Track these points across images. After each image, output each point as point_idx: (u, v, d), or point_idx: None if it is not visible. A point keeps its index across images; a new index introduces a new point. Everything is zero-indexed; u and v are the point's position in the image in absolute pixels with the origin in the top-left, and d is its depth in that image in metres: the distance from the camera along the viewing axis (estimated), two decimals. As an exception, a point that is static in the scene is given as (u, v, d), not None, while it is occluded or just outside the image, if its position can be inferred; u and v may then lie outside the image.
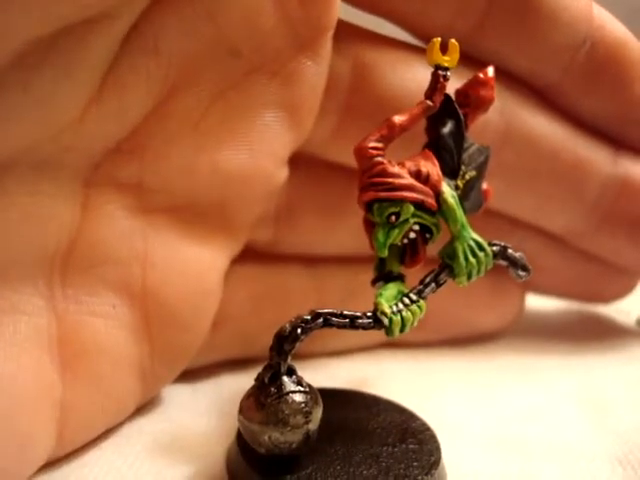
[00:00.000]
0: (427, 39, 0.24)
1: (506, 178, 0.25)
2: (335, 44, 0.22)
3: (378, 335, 0.27)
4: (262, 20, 0.19)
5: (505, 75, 0.24)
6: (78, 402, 0.19)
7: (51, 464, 0.19)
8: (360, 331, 0.19)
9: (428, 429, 0.20)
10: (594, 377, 0.26)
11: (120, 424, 0.21)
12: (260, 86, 0.21)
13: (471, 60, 0.23)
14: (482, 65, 0.21)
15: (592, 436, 0.22)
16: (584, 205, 0.26)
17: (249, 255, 0.25)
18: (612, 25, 0.24)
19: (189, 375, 0.24)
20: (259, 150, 0.21)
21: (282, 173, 0.22)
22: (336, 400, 0.21)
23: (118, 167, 0.20)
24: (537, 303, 0.32)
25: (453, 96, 0.20)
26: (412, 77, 0.23)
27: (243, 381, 0.25)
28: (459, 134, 0.20)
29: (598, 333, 0.31)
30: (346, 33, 0.23)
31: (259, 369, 0.25)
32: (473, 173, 0.21)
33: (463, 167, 0.20)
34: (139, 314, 0.21)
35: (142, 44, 0.18)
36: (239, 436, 0.19)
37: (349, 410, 0.21)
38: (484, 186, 0.22)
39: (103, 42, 0.17)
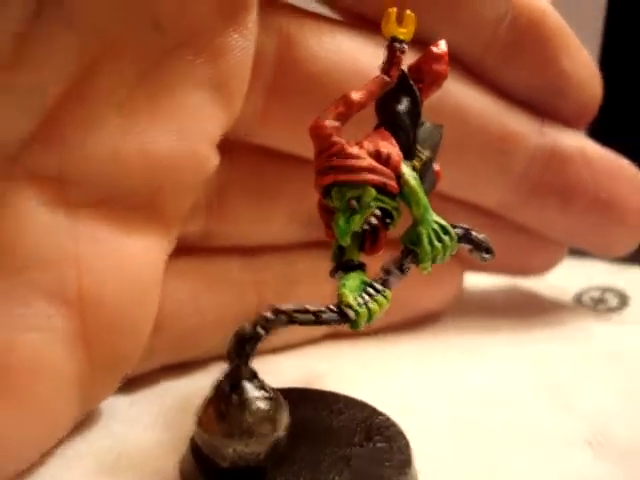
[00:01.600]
0: (347, 15, 0.24)
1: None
2: (259, 20, 0.20)
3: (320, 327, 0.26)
4: None
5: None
6: (7, 430, 0.17)
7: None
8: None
9: (393, 424, 0.19)
10: (544, 355, 0.26)
11: (55, 446, 0.19)
12: (187, 63, 0.19)
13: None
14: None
15: (556, 418, 0.22)
16: (513, 177, 0.26)
17: (183, 251, 0.23)
18: None
19: (126, 385, 0.22)
20: (189, 132, 0.19)
21: (214, 157, 0.21)
22: (293, 400, 0.19)
23: (35, 159, 0.17)
24: (473, 281, 0.32)
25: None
26: (337, 50, 0.22)
27: (185, 386, 0.23)
28: (415, 112, 0.19)
29: (538, 310, 0.31)
30: (270, 8, 0.21)
31: (200, 372, 0.24)
32: (428, 153, 0.20)
33: (418, 147, 0.19)
34: (76, 322, 0.18)
35: (57, 14, 0.16)
36: (194, 449, 0.17)
37: (308, 410, 0.20)
38: (436, 167, 0.21)
39: (16, 8, 0.15)
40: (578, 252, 0.31)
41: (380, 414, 0.20)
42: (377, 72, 0.22)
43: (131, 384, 0.22)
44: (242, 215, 0.24)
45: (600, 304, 0.32)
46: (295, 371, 0.24)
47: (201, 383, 0.23)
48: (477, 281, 0.32)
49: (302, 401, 0.20)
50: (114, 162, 0.18)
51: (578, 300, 0.32)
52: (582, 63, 0.26)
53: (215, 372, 0.24)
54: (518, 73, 0.25)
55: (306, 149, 0.23)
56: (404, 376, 0.24)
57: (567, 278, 0.32)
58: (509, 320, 0.30)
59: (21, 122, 0.17)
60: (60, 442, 0.19)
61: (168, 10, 0.18)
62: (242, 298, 0.24)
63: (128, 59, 0.18)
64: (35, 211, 0.18)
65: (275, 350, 0.25)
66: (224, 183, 0.23)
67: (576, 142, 0.27)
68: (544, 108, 0.26)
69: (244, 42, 0.20)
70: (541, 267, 0.30)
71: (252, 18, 0.20)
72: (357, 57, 0.23)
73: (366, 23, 0.23)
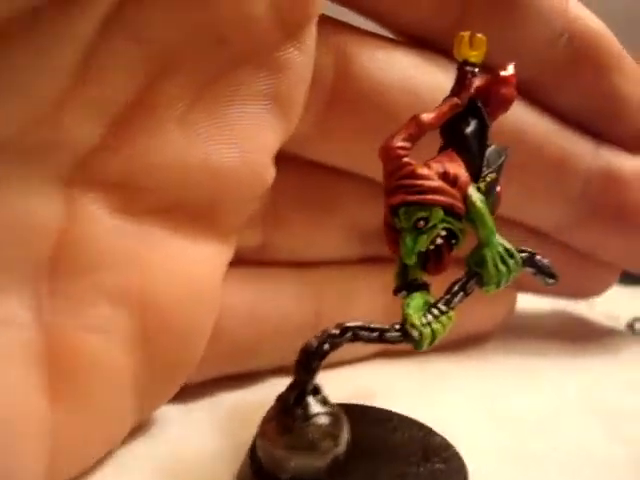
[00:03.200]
0: (405, 36, 0.24)
1: None
2: (318, 36, 0.21)
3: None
4: (250, 6, 0.18)
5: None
6: (69, 429, 0.17)
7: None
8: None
9: (450, 446, 0.19)
10: (596, 382, 0.26)
11: (112, 450, 0.19)
12: (247, 76, 0.19)
13: (449, 56, 0.23)
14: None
15: (608, 446, 0.21)
16: (568, 199, 0.26)
17: (241, 262, 0.23)
18: (588, 17, 0.24)
19: (182, 393, 0.22)
20: (250, 144, 0.20)
21: (271, 169, 0.21)
22: (350, 416, 0.19)
23: (103, 164, 0.18)
24: (524, 304, 0.32)
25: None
26: (392, 68, 0.23)
27: (240, 397, 0.23)
28: (482, 135, 0.19)
29: (589, 337, 0.31)
30: (328, 26, 0.22)
31: (255, 384, 0.24)
32: (493, 175, 0.19)
33: (484, 169, 0.19)
34: (136, 325, 0.19)
35: (124, 28, 0.17)
36: (253, 460, 0.17)
37: (364, 426, 0.20)
38: (497, 188, 0.21)
39: (86, 18, 0.16)
40: (631, 279, 0.31)
41: (436, 434, 0.20)
42: (431, 92, 0.22)
43: (187, 393, 0.22)
44: (297, 228, 0.24)
45: (654, 333, 0.31)
46: (350, 387, 0.24)
47: (256, 395, 0.23)
48: (529, 304, 0.32)
49: (357, 416, 0.20)
50: (178, 171, 0.19)
51: (631, 328, 0.32)
52: (638, 86, 0.26)
53: (270, 384, 0.24)
54: (572, 94, 0.25)
55: (360, 166, 0.24)
56: (455, 397, 0.24)
57: (620, 305, 0.32)
58: (560, 345, 0.29)
59: (89, 131, 0.17)
60: (118, 446, 0.20)
61: (232, 24, 0.18)
62: (300, 310, 0.24)
63: (190, 71, 0.18)
64: (103, 216, 0.18)
65: (330, 365, 0.26)
66: (280, 196, 0.24)
67: (633, 165, 0.26)
68: (600, 131, 0.26)
69: (303, 57, 0.20)
70: (594, 289, 0.30)
71: (311, 35, 0.20)
72: (412, 75, 0.23)
73: (421, 43, 0.23)
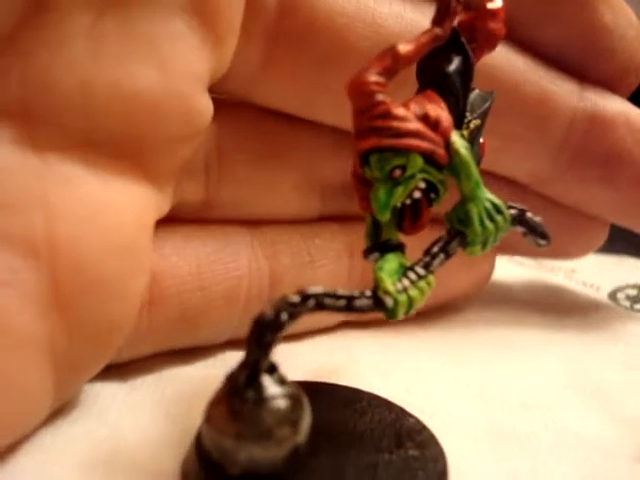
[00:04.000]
0: None
1: None
2: None
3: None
4: None
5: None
6: None
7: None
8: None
9: (424, 428, 0.17)
10: (578, 356, 0.24)
11: (42, 433, 0.17)
12: None
13: None
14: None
15: (599, 426, 0.20)
16: (550, 145, 0.24)
17: (183, 220, 0.21)
18: None
19: (123, 370, 0.20)
20: (170, 65, 0.17)
21: (204, 102, 0.18)
22: (312, 397, 0.17)
23: None
24: (503, 274, 0.30)
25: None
26: None
27: (189, 375, 0.21)
28: (467, 74, 0.17)
29: (571, 308, 0.29)
30: None
31: (206, 359, 0.22)
32: (477, 122, 0.17)
33: (467, 114, 0.17)
34: (46, 279, 0.16)
35: None
36: (200, 450, 0.15)
37: (329, 409, 0.17)
38: (481, 139, 0.18)
39: None
40: (614, 249, 0.29)
41: (410, 416, 0.18)
42: (389, 20, 0.20)
43: (130, 369, 0.20)
44: (245, 182, 0.22)
45: (636, 303, 0.29)
46: (309, 362, 0.22)
47: (210, 371, 0.21)
48: (508, 274, 0.30)
49: (321, 397, 0.18)
50: (84, 95, 0.16)
51: (613, 298, 0.30)
52: (625, 20, 0.24)
53: (223, 360, 0.22)
54: (555, 28, 0.23)
55: (315, 111, 0.21)
56: (430, 372, 0.22)
57: (600, 275, 0.30)
58: (540, 317, 0.27)
59: None
60: (49, 430, 0.17)
61: None
62: (253, 274, 0.22)
63: None
64: (1, 150, 0.16)
65: (286, 338, 0.23)
66: (223, 145, 0.21)
67: (619, 107, 0.24)
68: (584, 70, 0.24)
69: None
70: (582, 248, 0.28)
71: None
72: (367, 3, 0.20)
73: None
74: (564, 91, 0.24)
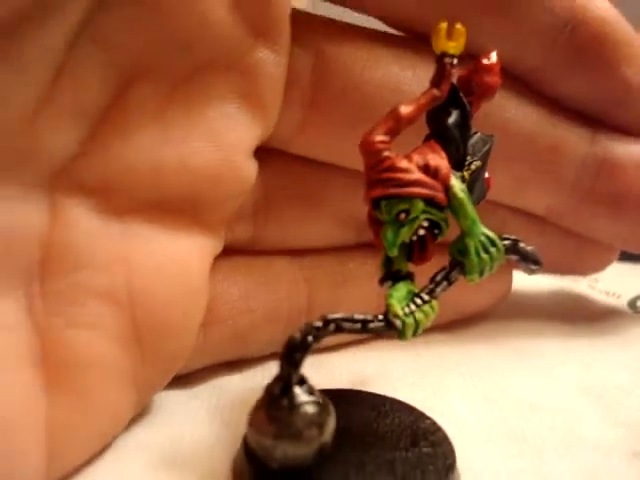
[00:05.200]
0: (397, 27, 0.24)
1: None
2: (294, 35, 0.21)
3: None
4: (210, 12, 0.19)
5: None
6: (67, 422, 0.18)
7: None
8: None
9: (439, 429, 0.20)
10: (594, 363, 0.26)
11: (114, 437, 0.20)
12: (218, 77, 0.20)
13: None
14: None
15: (604, 428, 0.21)
16: (563, 186, 0.26)
17: (233, 252, 0.24)
18: (595, 4, 0.24)
19: (183, 380, 0.23)
20: (225, 141, 0.20)
21: (251, 166, 0.22)
22: (339, 401, 0.20)
23: (82, 169, 0.19)
24: (523, 284, 0.32)
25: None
26: (375, 64, 0.23)
27: (239, 384, 0.24)
28: (465, 125, 0.19)
29: (591, 316, 0.31)
30: (305, 23, 0.22)
31: (255, 369, 0.25)
32: (478, 163, 0.20)
33: (468, 157, 0.20)
34: (127, 321, 0.19)
35: (93, 37, 0.17)
36: (247, 449, 0.18)
37: (355, 412, 0.20)
38: (486, 175, 0.21)
39: (57, 29, 0.16)
40: (633, 257, 0.31)
41: (427, 418, 0.20)
42: (412, 85, 0.23)
43: (188, 380, 0.23)
44: (288, 221, 0.25)
45: (656, 310, 0.31)
46: (342, 372, 0.25)
47: (257, 381, 0.24)
48: (528, 283, 0.32)
49: (349, 402, 0.21)
50: (155, 172, 0.19)
51: (632, 306, 0.32)
52: None
53: (270, 369, 0.25)
54: (577, 83, 0.25)
55: (344, 160, 0.24)
56: (451, 380, 0.24)
57: (621, 283, 0.32)
58: (559, 325, 0.29)
59: (65, 138, 0.18)
60: (121, 434, 0.20)
61: (192, 31, 0.19)
62: (293, 296, 0.25)
63: (160, 75, 0.19)
64: (85, 218, 0.19)
65: (324, 349, 0.26)
66: (269, 192, 0.24)
67: (629, 151, 0.26)
68: (598, 117, 0.26)
69: (276, 57, 0.20)
70: (592, 268, 0.30)
71: (285, 35, 0.20)
72: (395, 73, 0.23)
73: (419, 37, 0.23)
74: (577, 137, 0.25)
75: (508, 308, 0.30)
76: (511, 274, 0.29)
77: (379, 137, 0.17)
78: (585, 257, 0.29)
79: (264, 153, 0.22)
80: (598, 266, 0.30)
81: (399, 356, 0.26)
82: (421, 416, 0.20)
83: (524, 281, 0.30)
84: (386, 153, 0.17)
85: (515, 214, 0.28)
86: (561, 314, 0.31)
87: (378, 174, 0.17)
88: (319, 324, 0.17)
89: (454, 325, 0.28)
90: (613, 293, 0.33)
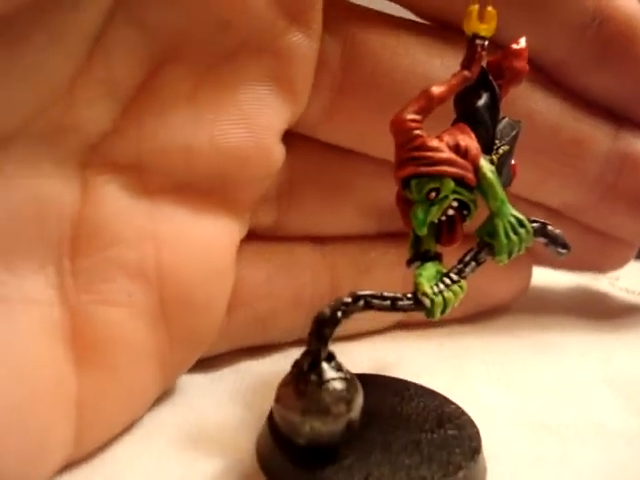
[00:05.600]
0: (426, 17, 0.24)
1: None
2: (325, 20, 0.21)
3: (391, 315, 0.26)
4: None
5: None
6: (96, 398, 0.18)
7: (72, 462, 0.18)
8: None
9: (464, 413, 0.20)
10: (615, 355, 0.26)
11: (142, 416, 0.20)
12: (252, 59, 0.20)
13: None
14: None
15: (625, 417, 0.21)
16: (585, 181, 0.26)
17: (257, 237, 0.24)
18: (623, 2, 0.24)
19: (206, 364, 0.23)
20: (256, 124, 0.20)
21: (279, 149, 0.22)
22: (366, 386, 0.20)
23: (114, 147, 0.19)
24: (545, 280, 0.32)
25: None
26: (404, 52, 0.23)
27: (262, 368, 0.24)
28: (494, 107, 0.19)
29: (611, 312, 0.31)
30: (335, 9, 0.22)
31: (277, 355, 0.25)
32: (506, 147, 0.20)
33: (497, 141, 0.20)
34: (155, 299, 0.20)
35: (128, 15, 0.18)
36: (272, 426, 0.18)
37: (381, 396, 0.20)
38: (512, 161, 0.21)
39: (93, 9, 0.17)
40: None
41: (451, 403, 0.20)
42: (440, 73, 0.23)
43: (211, 363, 0.23)
44: (311, 207, 0.25)
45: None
46: (366, 358, 0.25)
47: (279, 365, 0.24)
48: (550, 279, 0.32)
49: (374, 386, 0.20)
50: (187, 152, 0.20)
51: (653, 303, 0.32)
52: None
53: (292, 355, 0.25)
54: (602, 78, 0.25)
55: (370, 147, 0.24)
56: (473, 368, 0.25)
57: (641, 280, 0.32)
58: (580, 320, 0.29)
59: (100, 113, 0.18)
60: (147, 414, 0.20)
61: (233, 10, 0.19)
62: (315, 282, 0.25)
63: (194, 55, 0.19)
64: (115, 194, 0.19)
65: (347, 337, 0.26)
66: (293, 177, 0.24)
67: None
68: (622, 113, 0.26)
69: (309, 41, 0.21)
70: (611, 265, 0.30)
71: (316, 19, 0.21)
72: (423, 61, 0.23)
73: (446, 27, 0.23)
74: (600, 132, 0.25)
75: (530, 303, 0.30)
76: (531, 268, 0.29)
77: (411, 116, 0.17)
78: (604, 254, 0.29)
79: (290, 138, 0.22)
80: (617, 263, 0.30)
81: (422, 345, 0.26)
82: (445, 401, 0.20)
83: (546, 278, 0.31)
84: (417, 132, 0.17)
85: (536, 210, 0.27)
86: (582, 309, 0.30)
87: (409, 152, 0.17)
88: (348, 300, 0.17)
89: (477, 317, 0.28)
90: (633, 291, 0.32)
